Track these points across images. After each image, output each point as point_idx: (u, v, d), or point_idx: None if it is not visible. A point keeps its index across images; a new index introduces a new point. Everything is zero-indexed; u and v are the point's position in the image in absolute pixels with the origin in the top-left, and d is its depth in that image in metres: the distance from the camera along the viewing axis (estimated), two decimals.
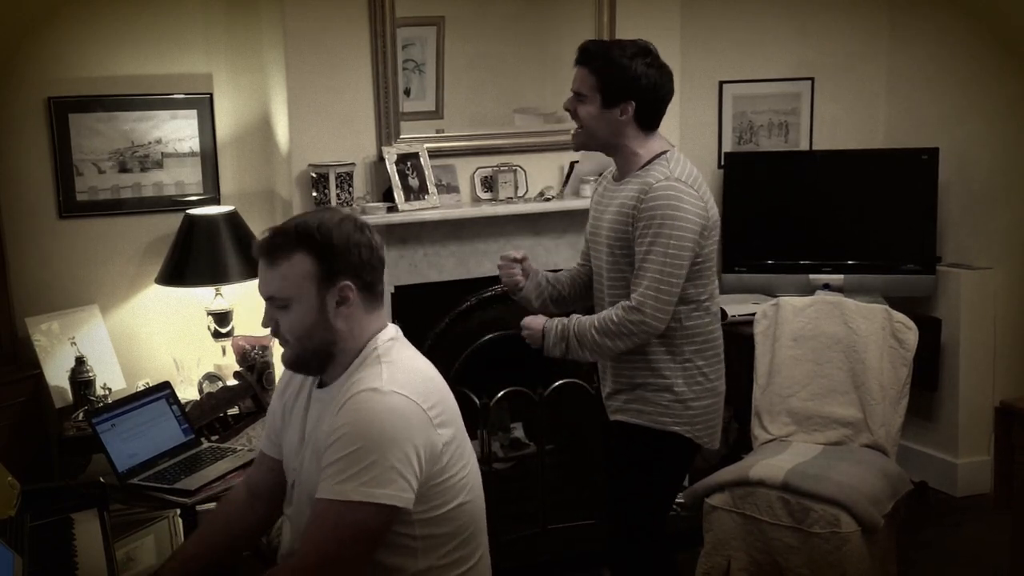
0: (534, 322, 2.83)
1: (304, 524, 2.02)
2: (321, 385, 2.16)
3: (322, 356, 2.09)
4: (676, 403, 2.78)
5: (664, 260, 2.64)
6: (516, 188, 4.16)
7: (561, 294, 3.05)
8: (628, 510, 2.91)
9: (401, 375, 2.02)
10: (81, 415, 3.55)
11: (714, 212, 2.76)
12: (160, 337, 4.09)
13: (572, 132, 2.89)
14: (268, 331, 2.12)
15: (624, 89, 2.71)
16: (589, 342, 2.72)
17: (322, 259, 2.03)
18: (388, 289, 3.92)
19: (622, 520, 2.93)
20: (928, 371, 4.41)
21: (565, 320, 2.78)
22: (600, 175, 3.05)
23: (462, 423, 2.13)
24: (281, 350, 2.15)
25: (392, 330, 2.15)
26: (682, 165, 2.74)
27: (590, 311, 2.91)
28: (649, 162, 2.75)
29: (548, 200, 4.17)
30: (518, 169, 4.16)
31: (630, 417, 2.82)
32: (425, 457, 1.97)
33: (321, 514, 1.93)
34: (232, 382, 3.81)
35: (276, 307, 2.07)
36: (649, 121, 2.77)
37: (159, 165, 4.06)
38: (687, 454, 2.89)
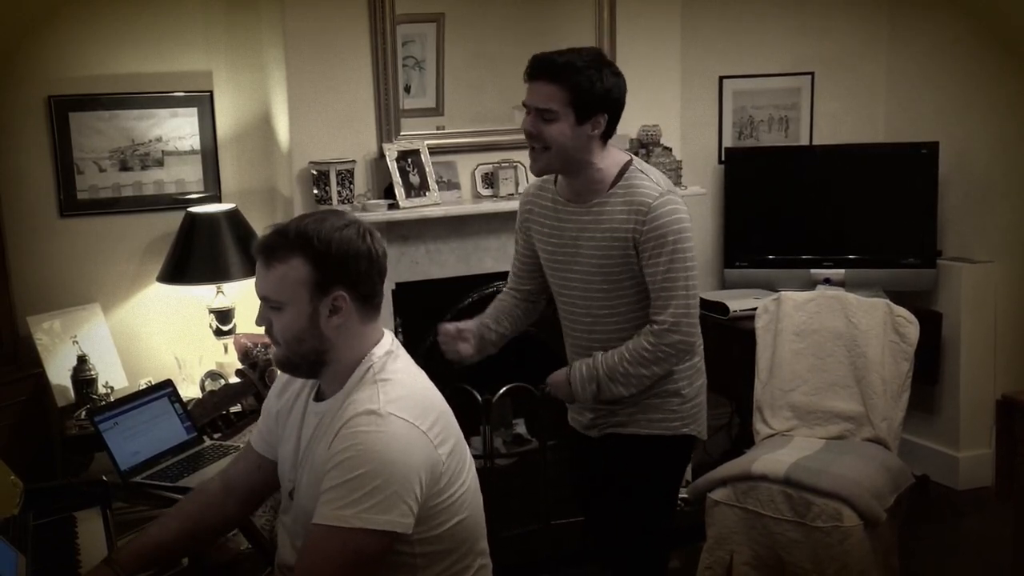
0: (556, 376, 2.74)
1: (301, 546, 1.99)
2: (318, 397, 2.13)
3: (312, 361, 2.05)
4: (684, 404, 2.73)
5: (687, 276, 2.58)
6: (517, 184, 4.16)
7: (502, 334, 2.88)
8: (638, 517, 2.82)
9: (398, 394, 1.98)
10: (83, 414, 3.55)
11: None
12: (162, 335, 4.09)
13: (532, 155, 2.63)
14: (263, 329, 2.10)
15: (597, 102, 2.54)
16: (622, 376, 2.61)
17: (318, 267, 1.98)
18: (389, 286, 3.92)
19: (631, 526, 2.84)
20: (929, 365, 4.41)
21: (589, 361, 2.67)
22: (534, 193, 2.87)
23: (461, 434, 2.10)
24: None
25: (388, 341, 2.11)
26: (657, 174, 2.65)
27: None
28: (618, 177, 2.62)
29: None
30: (519, 165, 4.16)
31: (638, 429, 2.73)
32: (426, 482, 1.94)
33: (320, 540, 1.89)
34: (234, 380, 3.81)
35: (270, 307, 2.04)
36: (611, 133, 2.64)
37: (160, 163, 4.06)
38: (690, 451, 2.89)
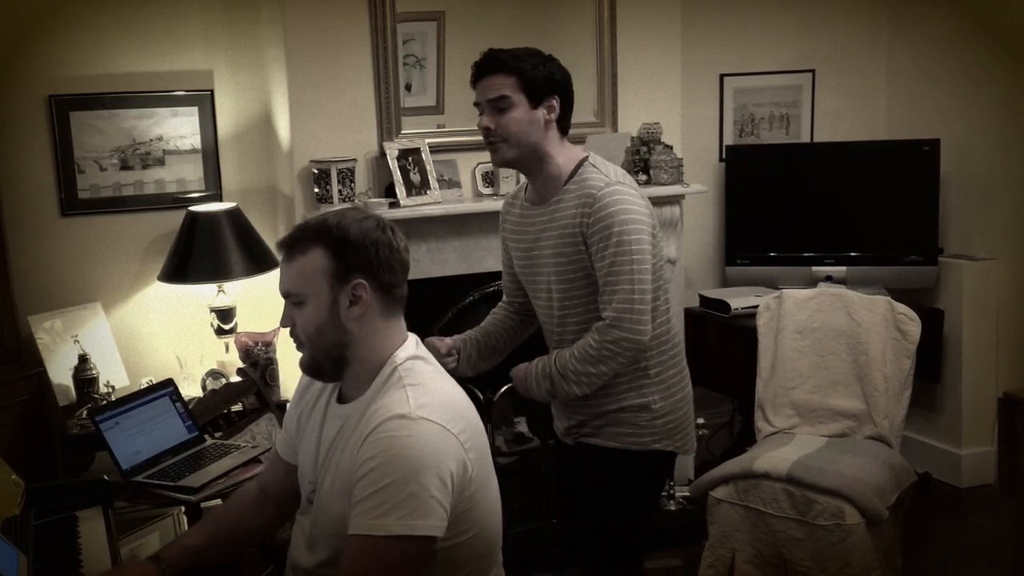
0: (517, 370, 2.70)
1: (341, 561, 1.94)
2: (340, 400, 2.11)
3: (335, 359, 2.03)
4: (655, 420, 2.65)
5: (632, 269, 2.50)
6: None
7: (492, 347, 2.88)
8: (608, 529, 2.76)
9: (427, 398, 1.95)
10: (85, 413, 3.55)
11: (653, 210, 2.64)
12: (163, 334, 4.09)
13: (492, 150, 2.62)
14: (285, 330, 2.08)
15: (545, 84, 2.57)
16: (572, 374, 2.55)
17: (336, 255, 1.98)
18: None
19: (594, 535, 2.78)
20: (931, 362, 4.41)
21: (545, 358, 2.63)
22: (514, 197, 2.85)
23: (486, 443, 2.08)
24: (285, 348, 2.12)
25: (412, 345, 2.09)
26: (611, 168, 2.62)
27: (535, 337, 2.84)
28: (573, 173, 2.60)
29: None
30: None
31: (605, 440, 2.67)
32: (456, 483, 1.91)
33: (361, 551, 1.85)
34: (235, 379, 3.81)
35: (292, 304, 2.03)
36: (566, 123, 2.64)
37: (161, 162, 4.06)
38: (667, 466, 2.81)
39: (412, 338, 2.11)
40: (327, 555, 2.04)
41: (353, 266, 1.99)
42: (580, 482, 2.80)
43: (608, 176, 2.57)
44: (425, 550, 1.88)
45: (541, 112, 2.57)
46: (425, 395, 1.96)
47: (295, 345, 2.08)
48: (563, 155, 2.62)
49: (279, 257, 2.07)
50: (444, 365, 2.73)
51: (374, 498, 1.84)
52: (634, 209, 2.52)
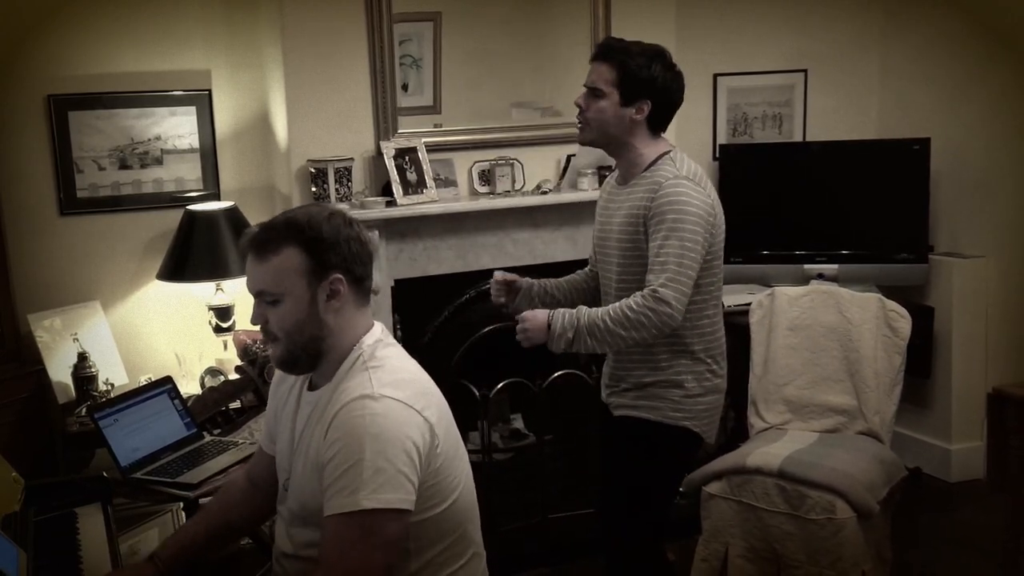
0: (536, 316, 2.73)
1: (318, 540, 1.98)
2: (311, 387, 2.16)
3: (312, 352, 2.07)
4: (687, 398, 2.78)
5: (681, 252, 2.62)
6: (513, 181, 4.19)
7: (555, 298, 3.00)
8: (635, 504, 2.88)
9: (389, 378, 2.00)
10: (84, 410, 3.57)
11: (719, 209, 2.77)
12: (162, 332, 4.11)
13: (579, 126, 2.82)
14: (258, 328, 2.11)
15: (643, 88, 2.71)
16: (599, 331, 2.63)
17: (312, 253, 2.01)
18: (388, 283, 3.94)
19: (627, 514, 2.90)
20: (921, 359, 4.44)
21: (567, 312, 2.69)
22: (606, 174, 3.03)
23: (453, 420, 2.12)
24: None
25: (378, 330, 2.14)
26: (687, 164, 2.75)
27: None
28: (654, 163, 2.75)
29: (545, 193, 4.19)
30: (515, 163, 4.18)
31: (641, 413, 2.81)
32: (424, 457, 1.96)
33: (336, 529, 1.89)
34: (234, 376, 3.84)
35: (266, 303, 2.05)
36: (659, 124, 2.78)
37: (159, 162, 4.08)
38: (694, 447, 2.91)
39: (378, 325, 2.16)
40: (305, 537, 2.08)
41: (329, 262, 2.03)
42: (617, 453, 2.93)
43: (679, 171, 2.71)
44: (401, 523, 1.92)
45: (630, 111, 2.72)
46: (387, 375, 2.01)
47: (267, 340, 2.11)
48: (648, 147, 2.78)
49: (246, 256, 2.07)
50: (501, 299, 2.95)
51: (344, 478, 1.89)
52: (693, 203, 2.66)
